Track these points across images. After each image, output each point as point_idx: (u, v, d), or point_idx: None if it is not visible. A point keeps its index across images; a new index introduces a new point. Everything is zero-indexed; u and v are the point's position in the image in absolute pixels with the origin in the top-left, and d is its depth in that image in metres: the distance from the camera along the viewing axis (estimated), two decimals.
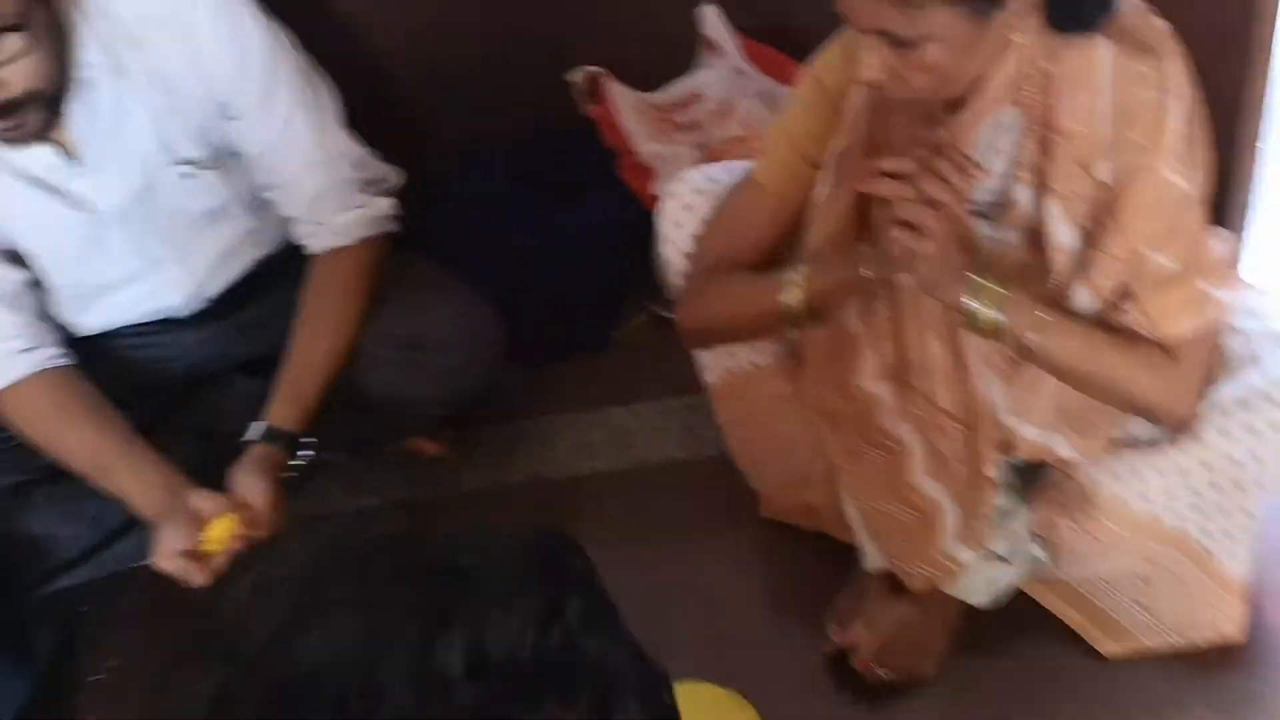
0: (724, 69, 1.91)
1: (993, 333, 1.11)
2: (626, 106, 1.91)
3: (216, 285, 1.57)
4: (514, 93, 1.84)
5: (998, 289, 1.09)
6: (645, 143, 1.87)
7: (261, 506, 1.39)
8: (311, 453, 1.49)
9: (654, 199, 1.84)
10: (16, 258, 1.45)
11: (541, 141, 1.94)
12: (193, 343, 1.61)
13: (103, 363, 1.53)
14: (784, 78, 1.86)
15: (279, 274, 1.53)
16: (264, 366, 1.52)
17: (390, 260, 1.54)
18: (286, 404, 1.46)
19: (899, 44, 1.01)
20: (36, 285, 1.48)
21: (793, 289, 1.17)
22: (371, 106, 1.56)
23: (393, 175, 1.59)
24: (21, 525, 1.54)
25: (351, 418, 1.57)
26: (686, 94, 1.94)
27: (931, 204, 1.04)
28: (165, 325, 1.58)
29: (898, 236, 1.05)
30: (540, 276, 1.81)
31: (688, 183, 1.37)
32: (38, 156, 1.35)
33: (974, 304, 1.09)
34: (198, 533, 1.38)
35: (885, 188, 1.06)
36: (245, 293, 1.59)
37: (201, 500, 1.39)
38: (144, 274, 1.51)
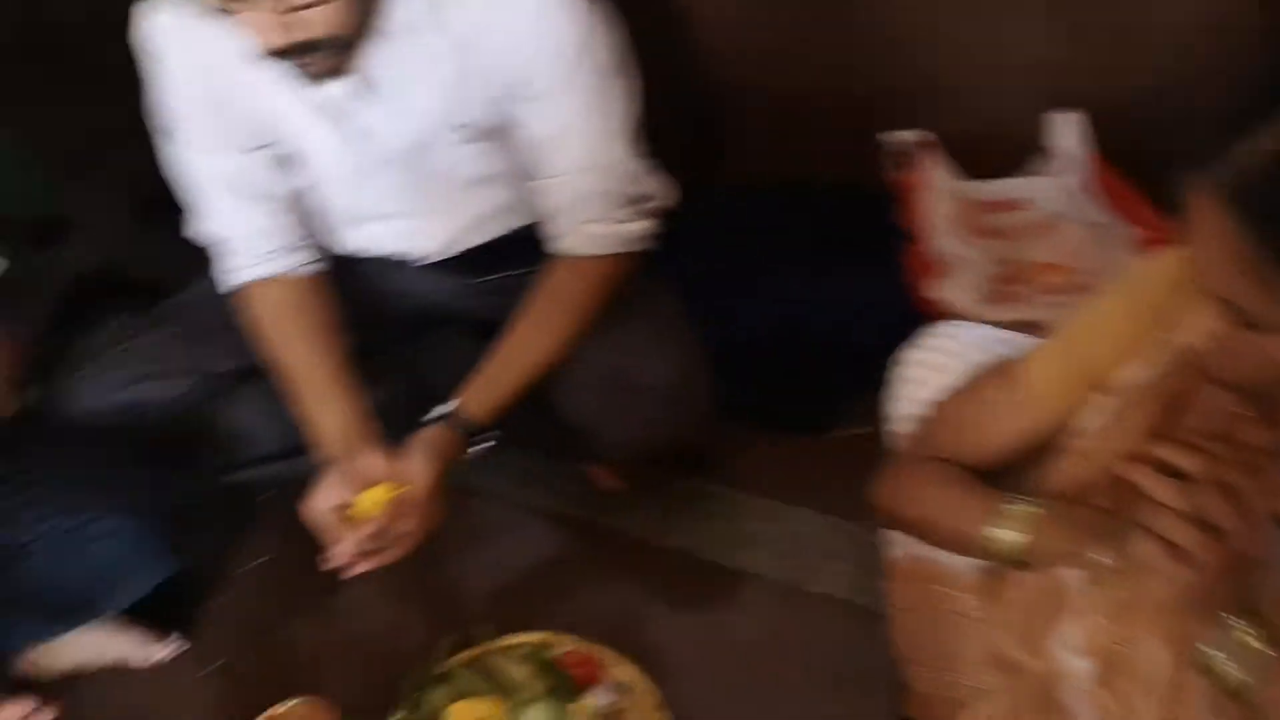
0: (1062, 184, 1.71)
1: (1232, 692, 0.88)
2: (939, 187, 1.73)
3: (469, 243, 1.56)
4: (821, 133, 1.71)
5: (1259, 646, 0.85)
6: (943, 234, 1.70)
7: (421, 490, 1.37)
8: (491, 444, 1.46)
9: (927, 302, 1.68)
10: (292, 167, 1.47)
11: (830, 192, 1.80)
12: (431, 287, 1.61)
13: (343, 279, 1.55)
14: (1129, 218, 1.64)
15: (532, 247, 1.48)
16: (488, 333, 1.49)
17: (629, 282, 1.47)
18: (480, 393, 1.43)
19: (1245, 323, 0.80)
20: (303, 197, 1.51)
21: (1009, 528, 0.98)
22: (671, 113, 1.48)
23: (663, 195, 1.51)
24: (228, 411, 1.58)
25: (542, 423, 1.52)
26: (1010, 196, 1.75)
27: (1208, 527, 0.82)
28: (409, 263, 1.58)
29: (1149, 550, 0.84)
30: (778, 338, 1.69)
31: (952, 338, 1.20)
32: (334, 84, 1.35)
33: (1218, 655, 0.87)
34: (353, 493, 1.38)
35: (1152, 484, 0.83)
36: (494, 257, 1.57)
37: (369, 462, 1.39)
38: (402, 216, 1.52)
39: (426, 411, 1.44)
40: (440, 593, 1.60)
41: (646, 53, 1.43)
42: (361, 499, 1.38)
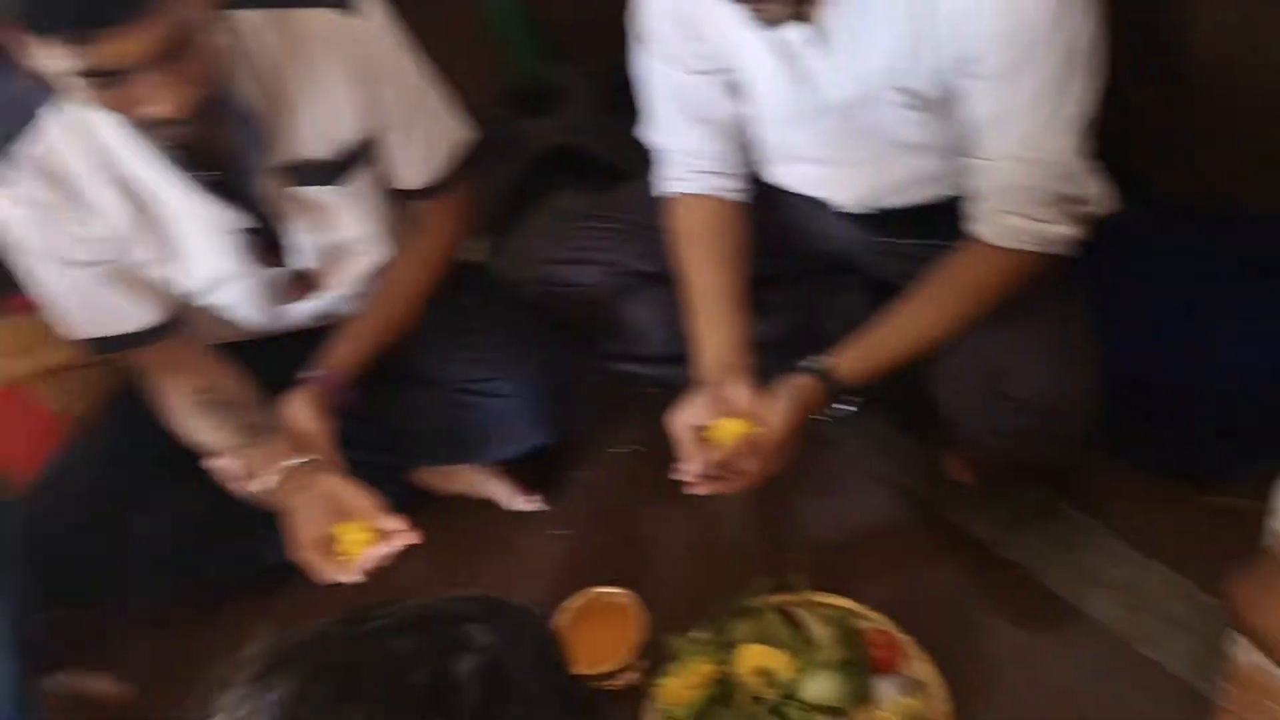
0: None
1: None
2: None
3: (889, 202, 1.55)
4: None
5: None
6: None
7: (774, 434, 1.40)
8: (853, 410, 1.47)
9: None
10: (738, 96, 1.51)
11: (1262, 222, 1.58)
12: (843, 234, 1.61)
13: (764, 207, 1.59)
14: None
15: (951, 220, 1.43)
16: (886, 294, 1.48)
17: (1038, 283, 1.39)
18: (857, 356, 1.42)
19: None
20: (743, 126, 1.55)
21: None
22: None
23: (1099, 201, 1.40)
24: (630, 306, 1.68)
25: (909, 397, 1.50)
26: None
27: None
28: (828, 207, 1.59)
29: None
30: (1179, 374, 1.53)
31: None
32: (791, 28, 1.36)
33: None
34: (713, 417, 1.44)
35: None
36: (911, 222, 1.55)
37: (736, 392, 1.44)
38: (829, 163, 1.52)
39: (804, 353, 1.46)
40: (773, 532, 1.64)
41: (1121, 48, 1.32)
42: (718, 426, 1.44)
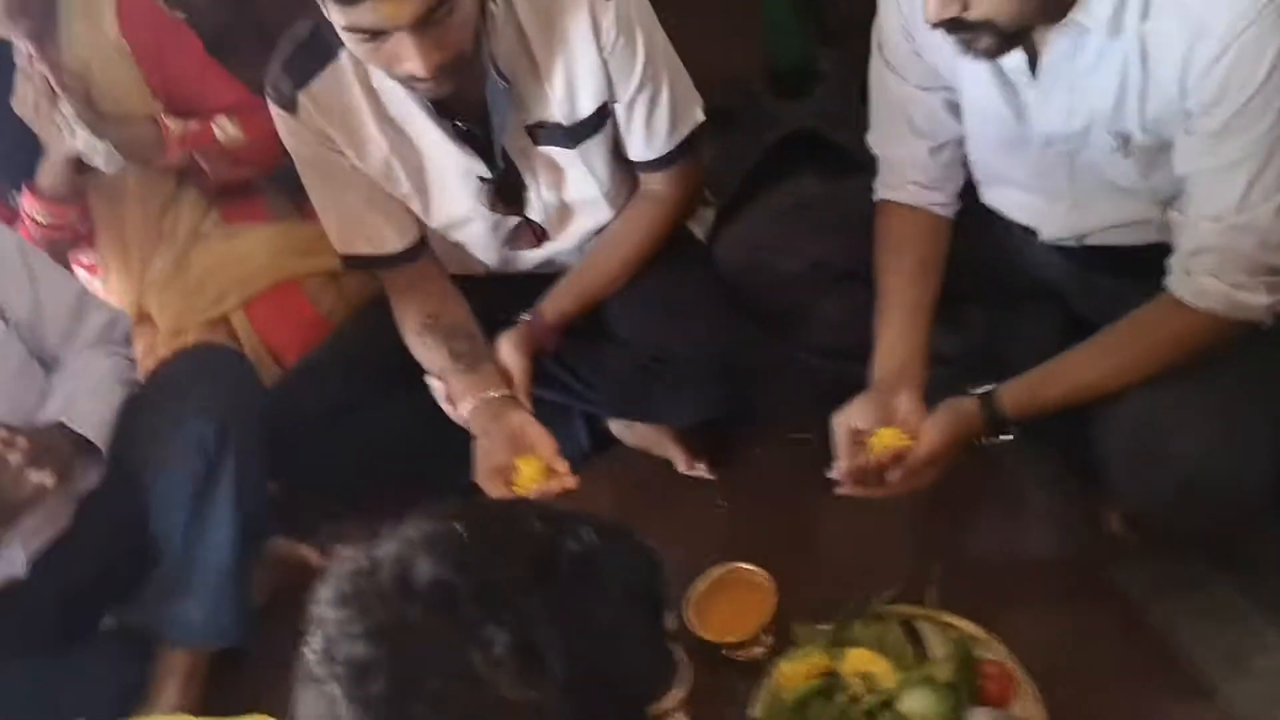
0: None
1: None
2: None
3: (1094, 240, 1.52)
4: None
5: None
6: None
7: (922, 453, 1.43)
8: (1009, 439, 1.46)
9: None
10: (956, 115, 1.52)
11: None
12: (1045, 262, 1.60)
13: (971, 223, 1.59)
14: None
15: (1158, 269, 1.39)
16: (1080, 331, 1.46)
17: (1231, 343, 1.33)
18: (1025, 392, 1.43)
19: None
20: (959, 146, 1.55)
21: None
22: None
23: None
24: (825, 299, 1.69)
25: (1072, 440, 1.48)
26: None
27: None
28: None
29: None
30: None
31: None
32: (1011, 56, 1.35)
33: None
34: (875, 423, 1.47)
35: None
36: (1117, 262, 1.51)
37: (903, 403, 1.47)
38: (1036, 191, 1.50)
39: (984, 374, 1.46)
40: (919, 544, 1.65)
41: None
42: (879, 433, 1.47)
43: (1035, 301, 1.66)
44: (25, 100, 1.86)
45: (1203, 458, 1.32)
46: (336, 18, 1.38)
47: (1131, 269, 1.44)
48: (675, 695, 1.43)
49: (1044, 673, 1.40)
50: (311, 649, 0.72)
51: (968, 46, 1.28)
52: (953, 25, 1.25)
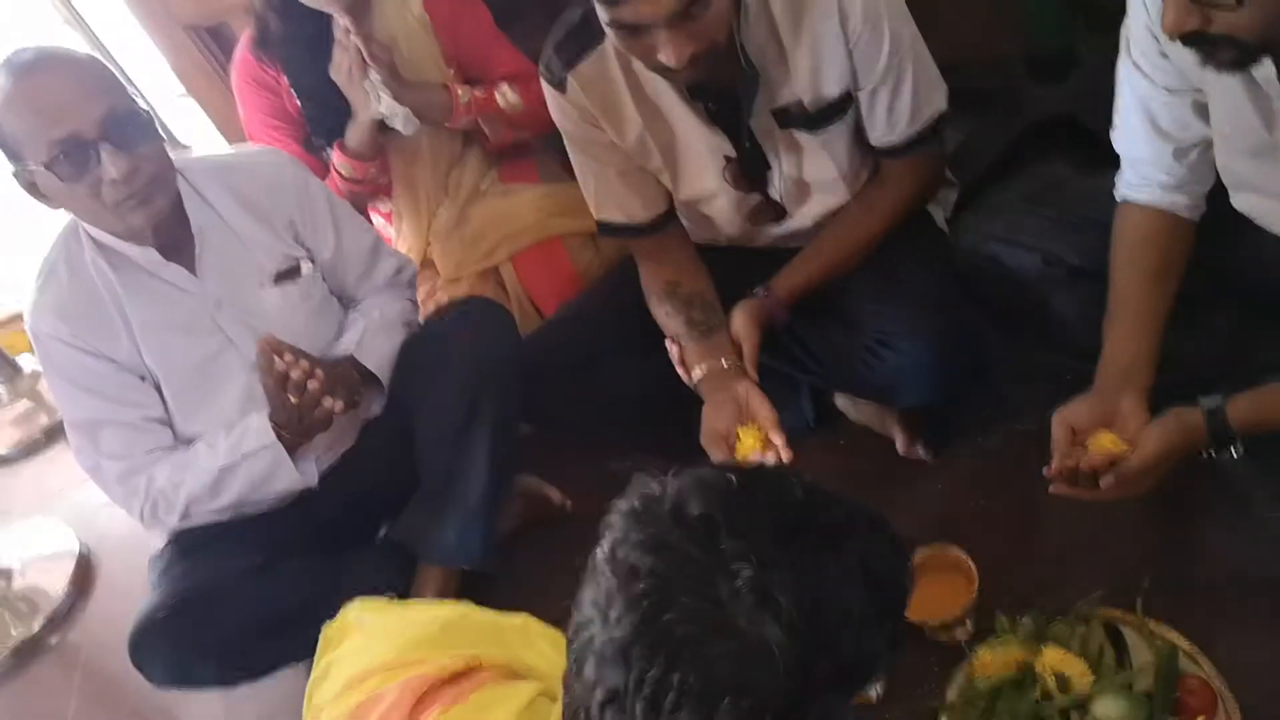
0: None
1: None
2: None
3: None
4: None
5: None
6: None
7: (1139, 460, 1.42)
8: (1237, 455, 1.41)
9: None
10: (1203, 118, 1.46)
11: None
12: None
13: (1227, 232, 1.53)
14: None
15: None
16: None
17: None
18: (1252, 410, 1.38)
19: None
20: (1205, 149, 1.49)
21: None
22: None
23: None
24: (1061, 296, 1.69)
25: None
26: None
27: None
28: None
29: None
30: None
31: None
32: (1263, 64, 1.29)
33: None
34: (1094, 422, 1.46)
35: None
36: None
37: (1123, 406, 1.46)
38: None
39: (1217, 387, 1.42)
40: (1135, 542, 1.61)
41: None
42: (1097, 436, 1.46)
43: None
44: (340, 68, 2.09)
45: None
46: (601, 12, 1.49)
47: None
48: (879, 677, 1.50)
49: (1251, 697, 1.37)
50: (600, 547, 0.86)
51: (1209, 58, 1.24)
52: (1193, 38, 1.21)
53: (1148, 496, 1.54)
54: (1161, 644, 1.44)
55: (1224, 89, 1.37)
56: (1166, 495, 1.60)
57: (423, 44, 2.15)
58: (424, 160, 2.25)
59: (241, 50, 2.19)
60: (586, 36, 1.65)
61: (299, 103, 2.16)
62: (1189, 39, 1.22)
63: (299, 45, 2.11)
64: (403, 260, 2.06)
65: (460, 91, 2.15)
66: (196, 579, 1.81)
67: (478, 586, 1.96)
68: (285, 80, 2.16)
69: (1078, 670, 1.42)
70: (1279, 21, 1.18)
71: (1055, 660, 1.43)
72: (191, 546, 1.86)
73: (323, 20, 2.08)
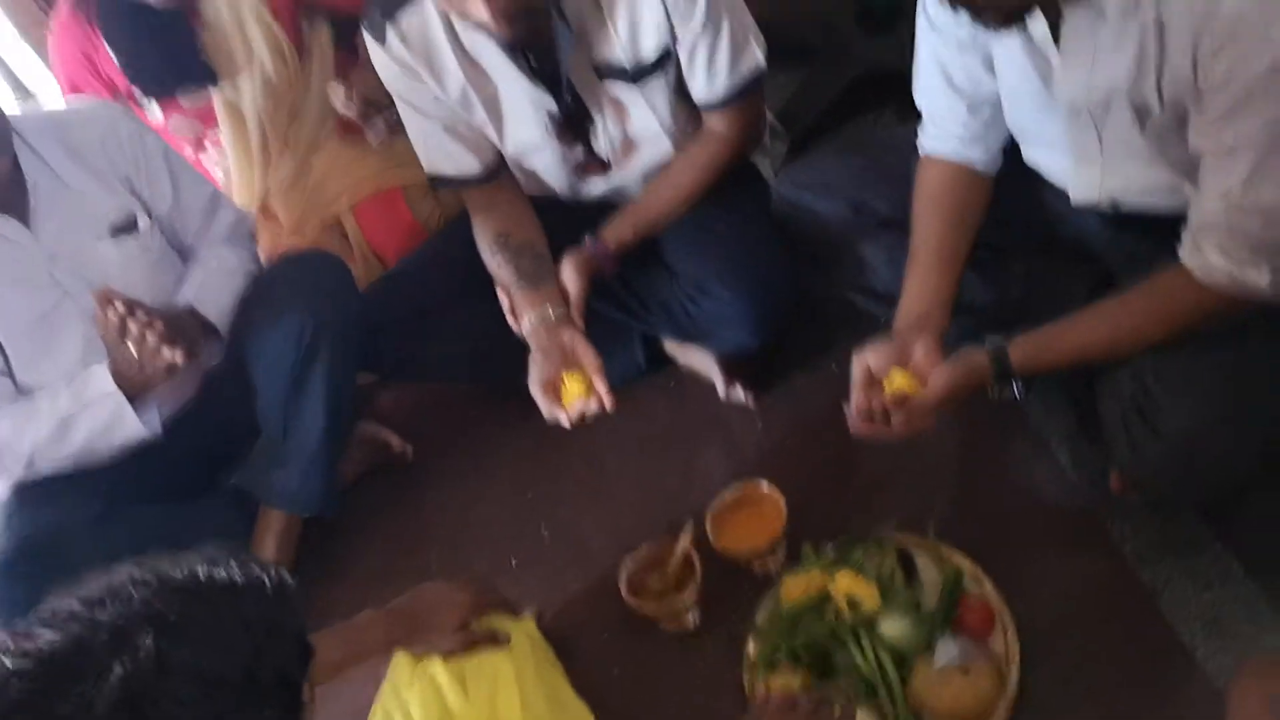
0: None
1: None
2: None
3: (1124, 204, 1.51)
4: None
5: None
6: None
7: (928, 396, 1.47)
8: (1015, 397, 1.49)
9: None
10: (991, 73, 1.51)
11: None
12: (1079, 220, 1.59)
13: (1011, 181, 1.60)
14: None
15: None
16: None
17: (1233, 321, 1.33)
18: (1033, 346, 1.44)
19: None
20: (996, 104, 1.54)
21: None
22: None
23: None
24: (865, 243, 1.73)
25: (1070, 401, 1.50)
26: None
27: None
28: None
29: None
30: None
31: None
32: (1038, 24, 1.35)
33: None
34: (889, 365, 1.52)
35: None
36: (1145, 227, 1.50)
37: (918, 348, 1.51)
38: (1068, 153, 1.50)
39: (1002, 327, 1.49)
40: (929, 473, 1.69)
41: None
42: (891, 375, 1.52)
43: (1074, 262, 1.65)
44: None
45: (1194, 429, 1.33)
46: None
47: (1165, 236, 1.43)
48: (690, 592, 1.57)
49: (1028, 614, 1.45)
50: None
51: (976, 17, 1.29)
52: None
53: (949, 430, 1.63)
54: (948, 567, 1.53)
55: (1006, 47, 1.42)
56: (962, 431, 1.70)
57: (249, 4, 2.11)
58: (255, 113, 2.20)
59: (61, 12, 2.13)
60: None
61: (117, 61, 2.10)
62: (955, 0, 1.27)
63: (121, 15, 2.06)
64: (242, 213, 2.04)
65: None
66: (38, 526, 1.80)
67: (319, 531, 1.99)
68: (102, 43, 2.10)
69: (867, 593, 1.49)
70: None
71: (847, 584, 1.50)
72: (34, 496, 1.85)
73: None
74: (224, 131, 2.19)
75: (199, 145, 2.23)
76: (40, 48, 2.32)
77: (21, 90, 2.75)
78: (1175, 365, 1.35)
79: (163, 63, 2.09)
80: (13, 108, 2.51)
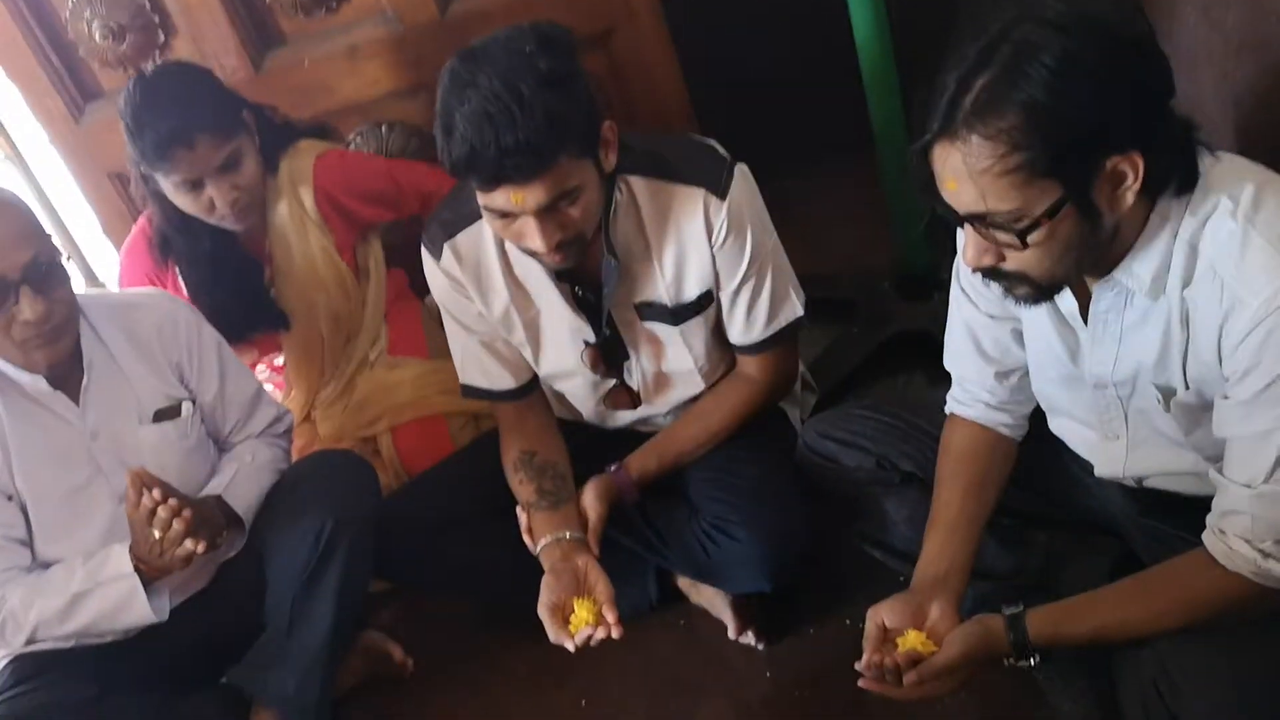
0: None
1: None
2: None
3: (1151, 484, 1.50)
4: None
5: None
6: None
7: (942, 659, 1.42)
8: (1032, 665, 1.43)
9: None
10: (1021, 345, 1.54)
11: None
12: (1111, 500, 1.58)
13: (1042, 449, 1.60)
14: None
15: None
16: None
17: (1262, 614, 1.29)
18: (1049, 624, 1.40)
19: None
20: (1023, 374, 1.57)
21: None
22: None
23: None
24: (889, 499, 1.74)
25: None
26: None
27: None
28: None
29: None
30: None
31: None
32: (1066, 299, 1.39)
33: None
34: (904, 624, 1.49)
35: None
36: (1173, 509, 1.49)
37: (933, 608, 1.48)
38: (1093, 427, 1.50)
39: (1030, 599, 1.45)
40: None
41: None
42: (906, 635, 1.49)
43: (1098, 534, 1.64)
44: None
45: None
46: (478, 196, 1.57)
47: (1189, 517, 1.41)
48: None
49: None
50: None
51: (1007, 292, 1.32)
52: (990, 273, 1.30)
53: (964, 700, 1.57)
54: None
55: (1035, 319, 1.46)
56: (982, 698, 1.64)
57: (315, 240, 2.22)
58: (319, 344, 2.30)
59: (136, 241, 2.23)
60: (469, 210, 1.72)
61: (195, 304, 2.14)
62: (988, 274, 1.31)
63: (200, 264, 2.17)
64: (281, 410, 2.07)
65: None
66: (30, 704, 1.77)
67: None
68: (170, 275, 2.20)
69: None
70: (1063, 262, 1.27)
71: None
72: (30, 671, 1.81)
73: (219, 235, 2.14)
74: (289, 365, 2.28)
75: (251, 367, 2.29)
76: (122, 240, 2.42)
77: (94, 280, 2.88)
78: (1198, 651, 1.30)
79: (238, 310, 2.18)
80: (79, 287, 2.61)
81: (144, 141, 1.97)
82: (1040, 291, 1.31)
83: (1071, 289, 1.36)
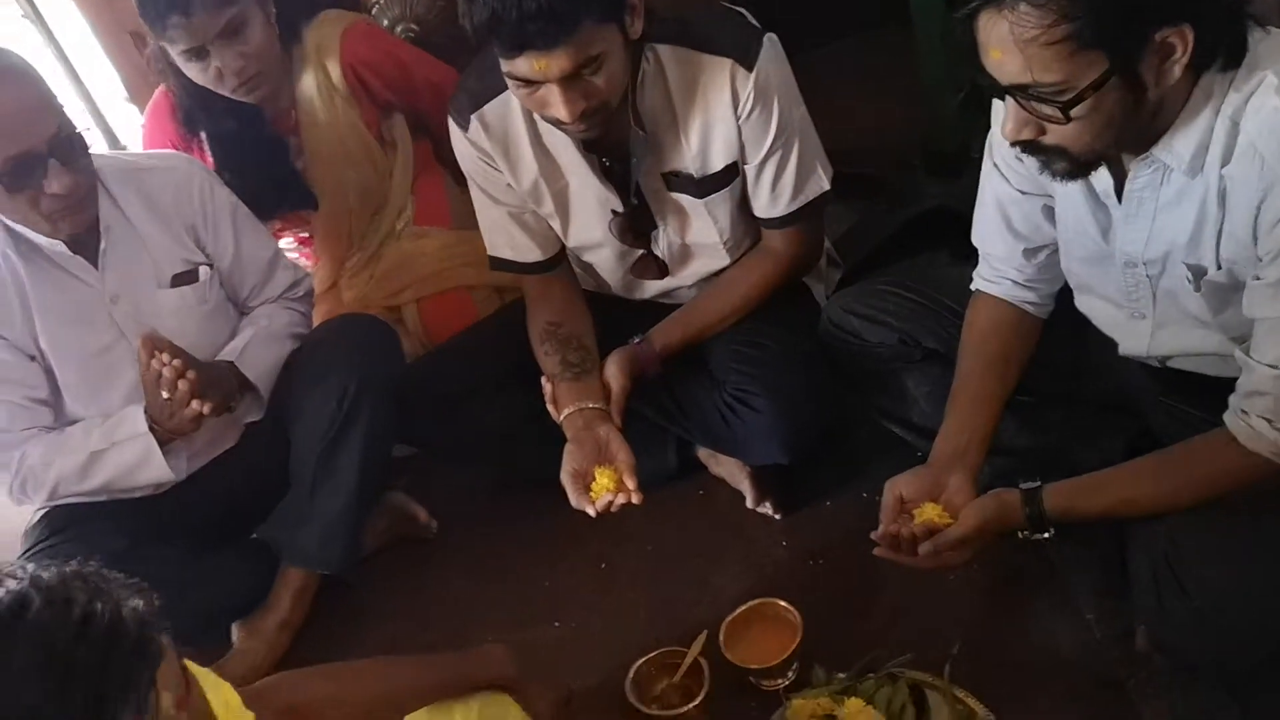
0: None
1: None
2: None
3: (1176, 363, 1.50)
4: None
5: None
6: None
7: (957, 531, 1.45)
8: (1045, 538, 1.46)
9: None
10: (1052, 221, 1.52)
11: None
12: (1134, 379, 1.57)
13: (1066, 328, 1.60)
14: None
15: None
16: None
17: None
18: (1067, 498, 1.43)
19: None
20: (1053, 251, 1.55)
21: None
22: None
23: None
24: (908, 374, 1.76)
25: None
26: None
27: None
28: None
29: None
30: None
31: None
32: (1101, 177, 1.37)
33: None
34: (921, 497, 1.51)
35: None
36: (1192, 387, 1.49)
37: (951, 481, 1.50)
38: (1120, 306, 1.49)
39: (1047, 475, 1.47)
40: (952, 611, 1.65)
41: None
42: (923, 507, 1.51)
43: (1116, 413, 1.64)
44: None
45: (1223, 594, 1.30)
46: (501, 64, 1.54)
47: (1210, 398, 1.41)
48: (696, 702, 1.53)
49: None
50: None
51: (1045, 167, 1.30)
52: (1029, 146, 1.28)
53: (972, 570, 1.60)
54: (960, 709, 1.48)
55: (1068, 196, 1.44)
56: (987, 572, 1.67)
57: (343, 112, 2.17)
58: (346, 218, 2.27)
59: (159, 105, 2.18)
60: (495, 80, 1.69)
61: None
62: (1026, 147, 1.29)
63: (227, 143, 2.12)
64: (299, 274, 2.07)
65: None
66: (62, 555, 1.79)
67: (337, 594, 1.97)
68: (197, 148, 2.16)
69: None
70: (1104, 137, 1.25)
71: (855, 713, 1.46)
72: (62, 524, 1.86)
73: (245, 112, 2.10)
74: (317, 239, 2.28)
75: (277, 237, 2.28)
76: (144, 101, 2.39)
77: (115, 143, 2.85)
78: (1209, 526, 1.32)
79: (268, 189, 2.15)
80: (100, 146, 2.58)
81: (145, 9, 1.93)
82: (1078, 167, 1.29)
83: (1108, 166, 1.34)
